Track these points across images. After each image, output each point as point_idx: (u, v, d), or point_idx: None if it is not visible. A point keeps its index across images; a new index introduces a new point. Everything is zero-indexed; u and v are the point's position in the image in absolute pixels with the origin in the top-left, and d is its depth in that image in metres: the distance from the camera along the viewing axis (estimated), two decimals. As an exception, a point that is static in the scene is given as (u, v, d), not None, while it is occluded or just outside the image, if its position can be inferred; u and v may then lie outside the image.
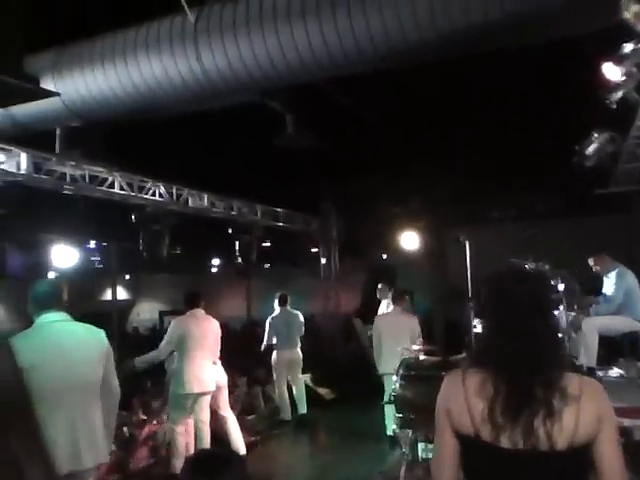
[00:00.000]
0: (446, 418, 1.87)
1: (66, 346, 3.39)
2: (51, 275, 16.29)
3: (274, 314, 9.14)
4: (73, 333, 3.49)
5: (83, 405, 3.35)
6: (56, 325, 3.45)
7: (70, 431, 3.26)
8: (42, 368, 3.22)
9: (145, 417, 7.05)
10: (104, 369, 3.49)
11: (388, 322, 7.80)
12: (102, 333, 3.60)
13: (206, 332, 6.48)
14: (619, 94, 5.67)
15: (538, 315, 1.90)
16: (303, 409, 8.92)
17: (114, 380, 3.60)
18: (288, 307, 9.21)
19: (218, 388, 6.71)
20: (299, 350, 9.07)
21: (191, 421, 6.45)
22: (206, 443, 6.41)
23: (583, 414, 1.74)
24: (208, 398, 6.48)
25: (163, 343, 6.40)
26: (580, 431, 1.73)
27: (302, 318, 9.27)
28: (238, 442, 6.75)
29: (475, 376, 1.84)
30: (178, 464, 6.08)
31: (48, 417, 3.19)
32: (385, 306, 9.96)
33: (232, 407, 7.18)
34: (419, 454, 5.36)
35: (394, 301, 8.14)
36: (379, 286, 10.17)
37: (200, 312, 6.55)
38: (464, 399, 1.82)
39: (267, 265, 17.62)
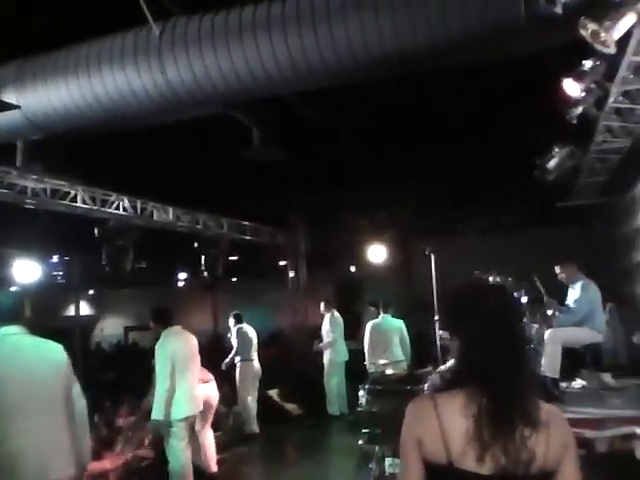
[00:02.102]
0: (415, 447, 1.76)
1: (22, 360, 3.31)
2: (12, 289, 15.93)
3: (239, 326, 9.20)
4: (30, 347, 3.41)
5: (45, 418, 3.27)
6: (12, 338, 3.37)
7: (33, 445, 3.17)
8: (1, 382, 3.15)
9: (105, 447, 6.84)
10: (65, 382, 3.42)
11: None
12: (60, 347, 3.51)
13: (192, 348, 6.09)
14: (579, 110, 5.82)
15: (516, 324, 1.91)
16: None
17: (77, 391, 3.52)
18: (245, 324, 9.29)
19: (210, 405, 6.52)
20: None
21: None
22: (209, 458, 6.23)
23: (552, 440, 1.74)
24: (202, 414, 6.23)
25: (161, 370, 5.75)
26: (550, 457, 1.73)
27: None
28: (210, 460, 6.58)
29: (451, 399, 1.76)
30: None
31: (8, 432, 3.12)
32: (328, 322, 10.13)
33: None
34: (386, 469, 5.35)
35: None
36: (321, 303, 10.32)
37: (178, 328, 6.16)
38: (437, 426, 1.73)
39: (234, 279, 17.51)
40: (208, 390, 6.64)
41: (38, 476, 3.15)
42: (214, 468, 6.55)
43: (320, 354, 10.38)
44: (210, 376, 6.85)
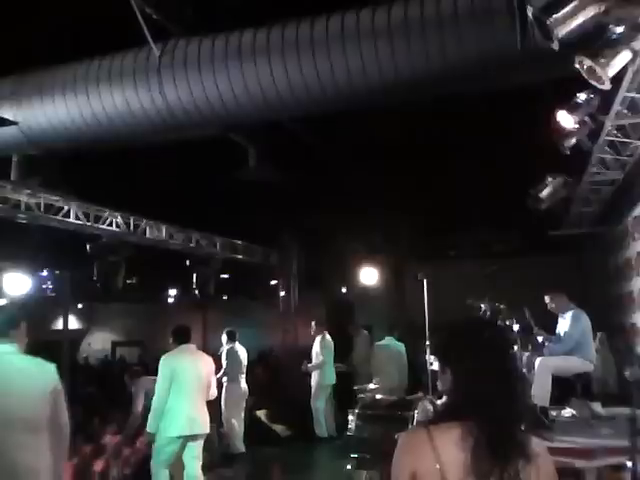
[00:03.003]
0: None
1: (9, 380, 3.24)
2: (4, 304, 15.79)
3: (229, 347, 9.12)
4: (20, 367, 3.32)
5: (26, 444, 3.19)
6: (2, 358, 3.30)
7: (10, 468, 3.10)
8: None
9: (92, 460, 6.74)
10: (52, 406, 3.33)
11: None
12: (52, 368, 3.42)
13: (201, 369, 5.91)
14: (573, 141, 5.90)
15: (509, 358, 1.92)
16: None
17: (64, 418, 3.43)
18: (237, 343, 9.23)
19: None
20: None
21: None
22: None
23: (542, 472, 1.76)
24: (200, 444, 5.89)
25: (158, 385, 5.72)
26: None
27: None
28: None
29: (447, 431, 1.75)
30: None
31: None
32: (318, 344, 10.11)
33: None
34: (375, 495, 5.31)
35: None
36: (312, 324, 10.32)
37: (192, 347, 6.04)
38: (434, 458, 1.72)
39: (225, 297, 17.45)
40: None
41: None
42: None
43: (308, 375, 10.33)
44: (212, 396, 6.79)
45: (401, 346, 9.54)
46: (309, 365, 10.22)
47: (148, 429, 5.72)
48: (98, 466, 6.72)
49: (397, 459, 1.81)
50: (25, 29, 6.63)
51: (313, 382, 10.08)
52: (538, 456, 1.76)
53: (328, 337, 10.32)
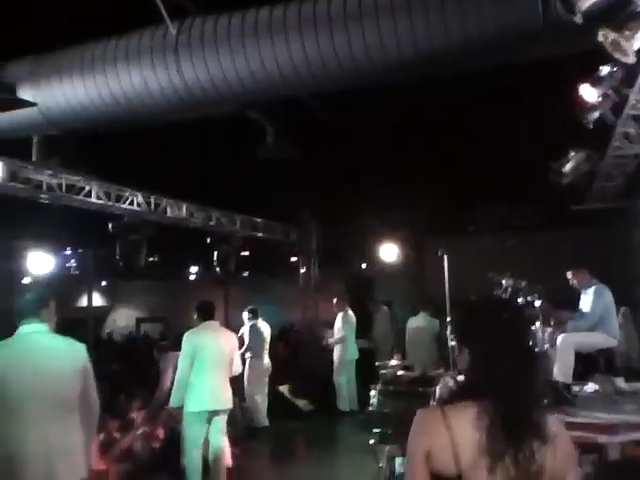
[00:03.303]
0: (423, 459, 1.76)
1: (40, 360, 3.32)
2: (26, 281, 16.10)
3: (252, 323, 9.21)
4: (50, 346, 3.41)
5: (58, 420, 3.28)
6: (33, 337, 3.38)
7: (43, 445, 3.19)
8: (10, 382, 3.17)
9: (118, 434, 6.88)
10: (82, 385, 3.41)
11: None
12: (83, 347, 3.51)
13: (224, 346, 5.98)
14: (596, 115, 5.78)
15: (528, 340, 1.92)
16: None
17: (93, 396, 3.52)
18: (260, 320, 9.30)
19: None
20: None
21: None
22: (221, 469, 5.90)
23: (559, 452, 1.76)
24: (224, 418, 5.97)
25: (181, 360, 5.82)
26: (557, 468, 1.75)
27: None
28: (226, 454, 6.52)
29: (462, 411, 1.76)
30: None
31: (18, 432, 3.14)
32: (341, 319, 10.14)
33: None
34: (396, 469, 5.36)
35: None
36: (334, 301, 10.35)
37: (216, 324, 6.11)
38: (447, 437, 1.72)
39: (245, 273, 17.55)
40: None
41: (47, 479, 3.18)
42: (228, 462, 6.52)
43: (330, 351, 10.42)
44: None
45: (435, 322, 9.55)
46: (330, 340, 10.31)
47: (171, 404, 5.87)
48: (124, 441, 6.86)
49: (412, 438, 1.82)
50: (42, 9, 6.63)
51: (335, 357, 10.18)
52: (555, 437, 1.75)
53: (350, 313, 10.40)
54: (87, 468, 3.47)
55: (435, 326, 9.53)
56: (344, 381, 10.03)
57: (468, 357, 1.89)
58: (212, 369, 5.82)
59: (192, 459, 5.79)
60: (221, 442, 5.98)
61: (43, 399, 3.24)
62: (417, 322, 9.65)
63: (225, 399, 5.92)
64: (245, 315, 9.41)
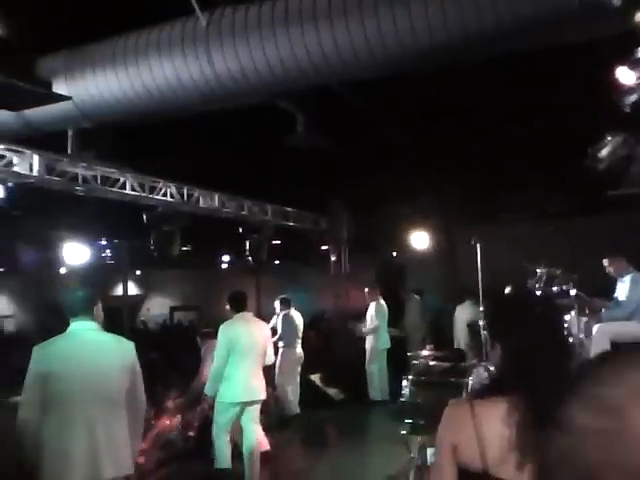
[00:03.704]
0: (450, 452, 1.77)
1: (90, 356, 3.42)
2: (62, 270, 16.43)
3: (284, 312, 9.25)
4: (100, 343, 3.52)
5: (104, 415, 3.36)
6: (85, 334, 3.50)
7: (89, 440, 3.27)
8: (61, 375, 3.27)
9: (154, 422, 7.00)
10: (130, 381, 3.50)
11: None
12: (131, 345, 3.62)
13: (257, 337, 6.10)
14: (633, 97, 5.63)
15: (562, 335, 1.89)
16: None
17: (140, 392, 3.61)
18: (292, 309, 9.33)
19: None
20: None
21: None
22: (254, 456, 6.02)
23: None
24: (257, 408, 6.12)
25: (217, 352, 5.97)
26: None
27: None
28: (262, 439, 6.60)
29: (492, 406, 1.74)
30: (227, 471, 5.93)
31: (66, 426, 3.24)
32: (374, 309, 10.12)
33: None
34: (427, 459, 5.36)
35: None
36: (366, 290, 10.32)
37: (249, 315, 6.25)
38: (474, 433, 1.72)
39: (277, 262, 17.64)
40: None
41: (90, 473, 3.25)
42: (265, 447, 6.61)
43: (362, 339, 10.43)
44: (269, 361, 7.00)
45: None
46: (363, 329, 10.32)
47: (206, 392, 6.03)
48: (161, 429, 6.99)
49: (440, 431, 1.84)
50: (74, 3, 6.71)
51: (368, 346, 10.20)
52: None
53: (382, 302, 10.39)
54: (133, 464, 3.56)
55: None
56: (376, 370, 10.05)
57: (500, 351, 1.87)
58: (246, 360, 5.93)
59: (222, 444, 5.96)
60: (255, 431, 6.10)
61: (92, 394, 3.34)
62: (465, 311, 10.02)
63: (258, 390, 6.04)
64: (277, 304, 9.46)
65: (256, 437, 6.10)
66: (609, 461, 0.50)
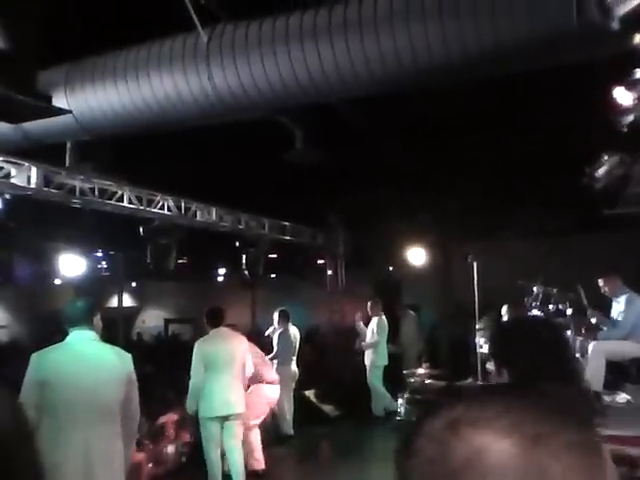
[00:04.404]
0: None
1: (87, 366, 3.41)
2: (58, 282, 16.37)
3: (282, 329, 9.17)
4: (97, 354, 3.52)
5: (99, 426, 3.35)
6: (82, 344, 3.49)
7: (83, 451, 3.26)
8: (57, 384, 3.26)
9: (148, 441, 6.94)
10: (126, 393, 3.49)
11: None
12: (129, 357, 3.62)
13: (234, 351, 6.22)
14: (630, 118, 5.67)
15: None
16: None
17: (135, 405, 3.61)
18: (290, 324, 9.28)
19: (267, 406, 6.79)
20: None
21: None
22: (238, 471, 6.13)
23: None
24: (238, 422, 6.20)
25: (193, 369, 6.08)
26: None
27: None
28: (256, 458, 6.69)
29: None
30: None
31: (60, 435, 3.22)
32: (375, 324, 10.07)
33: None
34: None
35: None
36: (369, 304, 10.29)
37: (225, 330, 6.34)
38: None
39: (273, 275, 17.61)
40: (269, 392, 6.85)
41: None
42: (260, 466, 6.66)
43: (358, 355, 10.39)
44: (275, 377, 7.01)
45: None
46: (363, 343, 10.28)
47: (187, 409, 6.23)
48: (154, 446, 6.94)
49: None
50: (75, 17, 6.74)
51: (367, 362, 10.15)
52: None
53: (384, 318, 10.35)
54: (125, 474, 3.53)
55: None
56: (379, 384, 9.96)
57: (507, 377, 1.87)
58: (223, 375, 6.05)
59: (212, 460, 6.04)
60: (236, 448, 6.16)
61: (87, 404, 3.33)
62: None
63: (236, 404, 6.13)
64: (276, 316, 9.37)
65: (237, 456, 6.17)
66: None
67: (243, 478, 6.11)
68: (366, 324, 10.45)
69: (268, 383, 7.13)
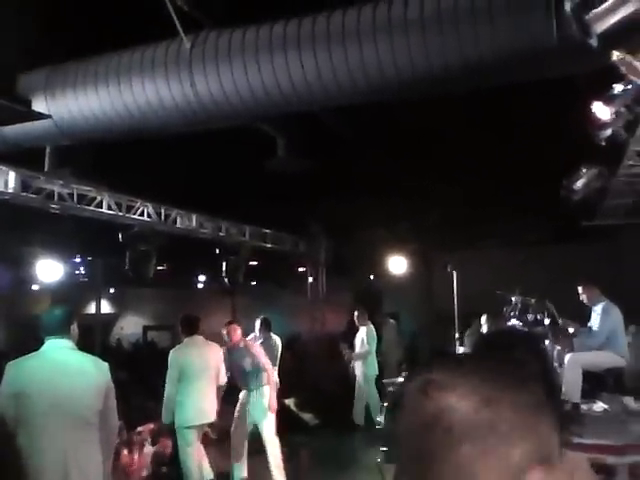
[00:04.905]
0: None
1: (63, 375, 3.36)
2: (35, 288, 16.16)
3: (263, 338, 9.10)
4: (74, 363, 3.46)
5: (76, 437, 3.30)
6: (58, 353, 3.44)
7: (61, 461, 3.21)
8: (33, 395, 3.21)
9: (126, 451, 6.87)
10: (103, 403, 3.44)
11: None
12: (106, 366, 3.57)
13: (208, 359, 6.26)
14: (608, 132, 5.76)
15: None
16: None
17: (113, 415, 3.56)
18: (272, 334, 9.23)
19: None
20: None
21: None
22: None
23: None
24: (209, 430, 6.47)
25: (168, 379, 6.12)
26: None
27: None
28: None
29: None
30: None
31: (36, 446, 3.17)
32: (364, 333, 10.04)
33: (211, 429, 7.08)
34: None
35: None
36: (355, 313, 10.26)
37: (199, 339, 6.35)
38: None
39: (253, 282, 17.56)
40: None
41: None
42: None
43: (344, 364, 10.32)
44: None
45: None
46: (354, 354, 10.21)
47: (163, 420, 6.23)
48: (132, 456, 6.86)
49: None
50: (56, 22, 6.68)
51: (358, 372, 10.08)
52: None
53: (372, 327, 10.29)
54: None
55: None
56: (367, 396, 9.87)
57: None
58: (197, 384, 6.08)
59: (188, 468, 6.08)
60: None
61: (64, 414, 3.27)
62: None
63: (210, 412, 6.22)
64: (258, 324, 9.30)
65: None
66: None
67: None
68: (349, 333, 10.40)
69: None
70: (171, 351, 6.25)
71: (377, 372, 10.11)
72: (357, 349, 10.16)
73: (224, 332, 6.80)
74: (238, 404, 6.92)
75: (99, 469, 3.39)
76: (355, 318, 10.32)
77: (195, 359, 6.15)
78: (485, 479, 0.74)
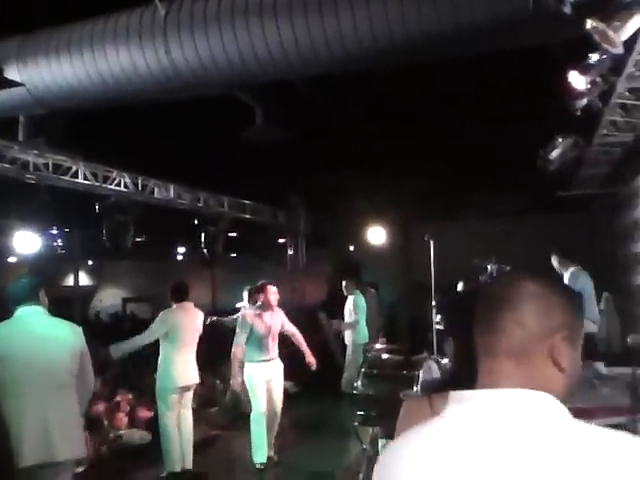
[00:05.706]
0: None
1: (38, 340, 3.41)
2: (12, 259, 16.00)
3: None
4: (48, 328, 3.53)
5: (55, 398, 3.37)
6: (32, 318, 3.48)
7: (41, 422, 3.28)
8: (11, 359, 3.25)
9: (105, 421, 6.90)
10: (79, 365, 3.50)
11: None
12: (79, 329, 3.64)
13: (194, 325, 6.43)
14: (584, 102, 5.81)
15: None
16: None
17: (90, 377, 3.65)
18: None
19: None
20: None
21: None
22: (189, 438, 6.41)
23: None
24: (191, 393, 6.52)
25: (147, 333, 6.22)
26: None
27: None
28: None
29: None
30: (172, 450, 6.16)
31: (17, 407, 3.22)
32: (352, 303, 10.10)
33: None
34: (379, 450, 5.45)
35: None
36: (344, 283, 10.29)
37: (189, 305, 6.49)
38: None
39: (233, 254, 17.55)
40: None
41: (43, 455, 3.24)
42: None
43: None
44: None
45: None
46: (343, 323, 10.26)
47: (111, 353, 6.43)
48: (112, 431, 6.91)
49: (398, 426, 1.84)
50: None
51: (348, 341, 10.15)
52: None
53: (361, 296, 10.33)
54: (84, 446, 3.55)
55: None
56: (356, 365, 9.93)
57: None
58: (184, 347, 6.24)
59: (168, 432, 6.18)
60: (188, 415, 6.42)
61: (41, 378, 3.33)
62: None
63: (194, 375, 6.39)
64: (245, 295, 9.27)
65: (189, 424, 6.41)
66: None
67: (191, 445, 6.36)
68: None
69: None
70: (161, 312, 6.37)
71: (367, 340, 10.21)
72: (346, 319, 10.22)
73: (260, 294, 7.09)
74: (253, 378, 6.93)
75: (79, 430, 3.46)
76: (343, 288, 10.36)
77: (183, 323, 6.29)
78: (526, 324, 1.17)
